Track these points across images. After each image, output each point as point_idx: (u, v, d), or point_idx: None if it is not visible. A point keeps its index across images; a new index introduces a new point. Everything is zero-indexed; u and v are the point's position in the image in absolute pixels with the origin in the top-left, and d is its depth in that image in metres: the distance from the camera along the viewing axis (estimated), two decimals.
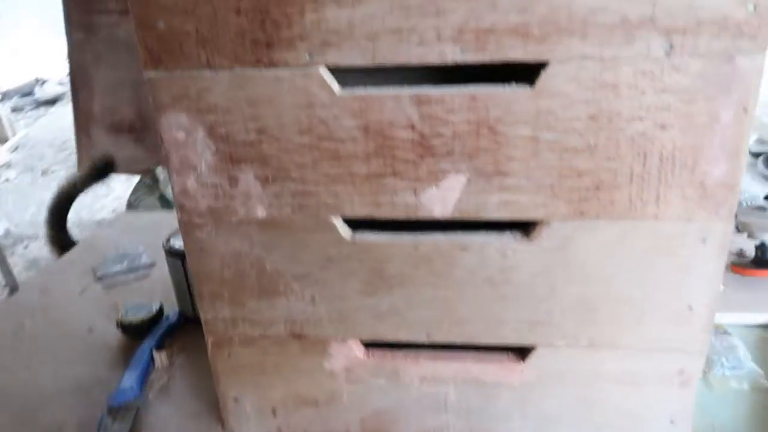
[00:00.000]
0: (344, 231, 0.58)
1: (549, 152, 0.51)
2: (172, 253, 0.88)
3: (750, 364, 0.75)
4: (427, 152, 0.53)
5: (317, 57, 0.51)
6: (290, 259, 0.59)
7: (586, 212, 0.53)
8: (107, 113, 2.73)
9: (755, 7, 0.44)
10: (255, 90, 0.53)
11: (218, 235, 0.60)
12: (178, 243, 0.89)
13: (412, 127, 0.52)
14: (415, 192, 0.54)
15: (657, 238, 0.53)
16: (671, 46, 0.46)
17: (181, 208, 0.59)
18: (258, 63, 0.52)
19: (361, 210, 0.56)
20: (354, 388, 0.65)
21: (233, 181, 0.57)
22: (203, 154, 0.56)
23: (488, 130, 0.51)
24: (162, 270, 1.06)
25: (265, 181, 0.56)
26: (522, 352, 0.61)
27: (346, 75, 0.52)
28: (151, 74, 0.53)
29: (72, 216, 2.84)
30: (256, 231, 0.59)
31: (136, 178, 2.75)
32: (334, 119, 0.53)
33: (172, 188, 0.58)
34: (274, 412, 0.68)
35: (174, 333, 0.90)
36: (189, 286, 0.89)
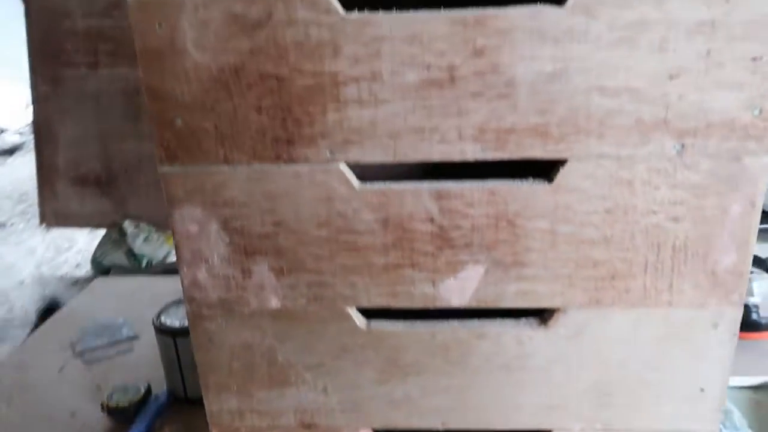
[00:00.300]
0: (359, 320, 0.57)
1: (566, 244, 0.52)
2: (163, 331, 0.85)
3: (746, 430, 0.76)
4: (446, 244, 0.53)
5: (338, 154, 0.51)
6: (303, 350, 0.58)
7: (602, 300, 0.54)
8: (72, 166, 2.67)
9: (760, 111, 0.46)
10: (273, 185, 0.52)
11: (228, 326, 0.58)
12: (169, 320, 0.87)
13: (432, 220, 0.52)
14: (433, 283, 0.55)
15: (670, 325, 0.54)
16: (683, 146, 0.48)
17: (191, 300, 0.57)
18: (278, 159, 0.52)
19: (378, 300, 0.56)
20: None
21: (246, 272, 0.56)
22: (216, 246, 0.55)
23: (507, 223, 0.52)
24: (146, 343, 1.02)
25: (279, 272, 0.56)
26: None
27: (364, 167, 0.52)
28: (165, 169, 0.53)
29: (32, 271, 2.73)
30: (269, 322, 0.57)
31: (101, 232, 2.67)
32: (354, 213, 0.53)
33: (182, 280, 0.57)
34: None
35: (164, 415, 0.86)
36: (181, 365, 0.86)
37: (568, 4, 0.45)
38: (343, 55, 0.48)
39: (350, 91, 0.49)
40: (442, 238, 0.53)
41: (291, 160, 0.51)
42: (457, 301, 0.55)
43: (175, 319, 0.87)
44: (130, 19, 0.48)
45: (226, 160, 0.52)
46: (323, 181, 0.52)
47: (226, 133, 0.51)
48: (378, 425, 0.61)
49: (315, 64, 0.48)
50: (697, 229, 0.50)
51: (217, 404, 0.61)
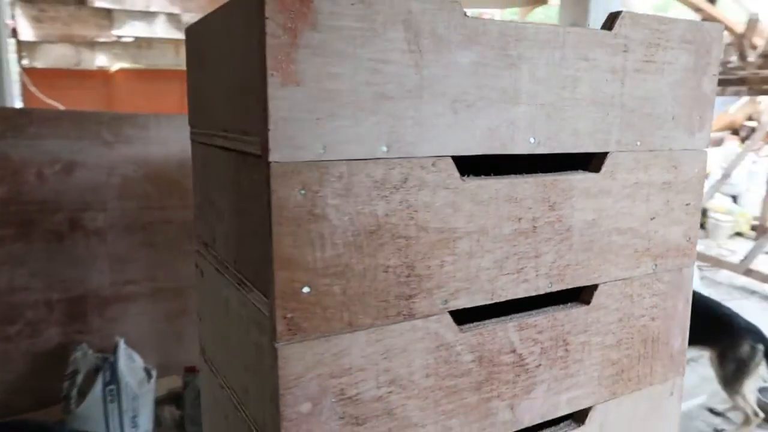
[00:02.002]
0: None
1: (596, 351, 0.65)
2: None
3: None
4: (522, 369, 0.60)
5: (450, 302, 0.54)
6: None
7: (616, 392, 0.67)
8: None
9: (689, 239, 0.69)
10: (392, 342, 0.52)
11: None
12: None
13: (514, 350, 0.59)
14: (512, 408, 0.60)
15: (651, 400, 0.70)
16: (656, 266, 0.67)
17: None
18: (398, 316, 0.52)
19: None
20: None
21: None
22: (328, 423, 0.50)
23: (563, 342, 0.62)
24: None
25: None
26: None
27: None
28: (284, 346, 0.47)
29: None
30: None
31: None
32: (456, 356, 0.55)
33: None
34: None
35: None
36: None
37: (602, 170, 0.61)
38: (461, 213, 0.53)
39: (463, 245, 0.54)
40: (520, 365, 0.59)
41: (410, 315, 0.52)
42: (528, 419, 0.61)
43: None
44: (271, 185, 0.44)
45: (350, 326, 0.49)
46: (435, 330, 0.54)
47: (352, 297, 0.49)
48: None
49: (439, 222, 0.52)
50: (664, 324, 0.69)
51: None
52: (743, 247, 3.69)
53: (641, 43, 0.60)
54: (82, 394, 1.95)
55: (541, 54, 0.54)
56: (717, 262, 3.46)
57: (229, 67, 0.54)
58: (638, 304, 0.66)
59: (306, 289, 0.46)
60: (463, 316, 0.56)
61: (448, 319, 0.54)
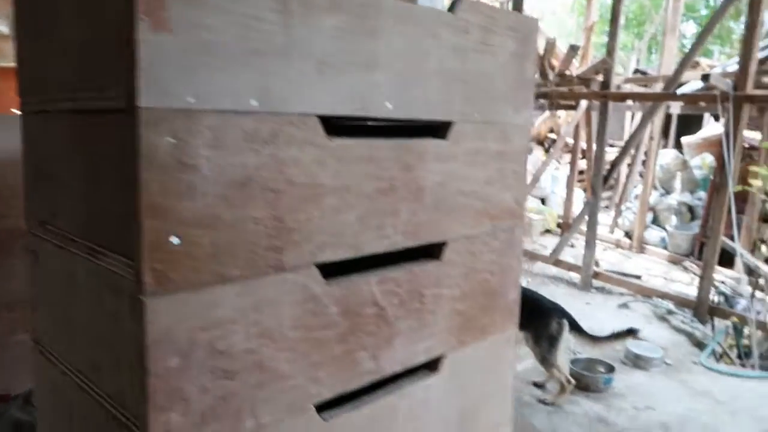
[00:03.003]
0: (319, 416, 0.59)
1: (446, 303, 0.71)
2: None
3: None
4: (384, 322, 0.64)
5: (318, 255, 0.56)
6: None
7: (464, 341, 0.74)
8: None
9: (516, 201, 0.79)
10: (263, 294, 0.52)
11: None
12: None
13: (376, 303, 0.62)
14: (375, 358, 0.63)
15: (493, 347, 0.79)
16: (493, 226, 0.75)
17: None
18: (268, 268, 0.52)
19: (337, 388, 0.60)
20: None
21: (227, 399, 0.51)
22: (198, 377, 0.49)
23: (418, 295, 0.67)
24: None
25: (258, 387, 0.53)
26: None
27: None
28: (153, 300, 0.45)
29: None
30: None
31: None
32: (323, 308, 0.57)
33: None
34: None
35: None
36: None
37: (448, 138, 0.67)
38: (328, 170, 0.55)
39: (330, 200, 0.56)
40: (381, 317, 0.63)
41: (280, 267, 0.53)
42: (389, 368, 0.65)
43: None
44: (140, 132, 0.43)
45: (221, 277, 0.49)
46: (303, 283, 0.55)
47: (222, 248, 0.49)
48: None
49: (306, 177, 0.54)
50: (501, 278, 0.78)
51: None
52: (552, 242, 4.17)
53: (478, 27, 0.67)
54: None
55: (396, 27, 0.58)
56: (532, 256, 3.88)
57: (79, 24, 0.51)
58: (480, 260, 0.73)
59: (175, 240, 0.45)
60: (329, 272, 0.58)
61: (315, 272, 0.56)
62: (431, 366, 0.71)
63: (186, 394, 0.48)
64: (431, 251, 0.68)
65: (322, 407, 0.59)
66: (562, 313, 2.11)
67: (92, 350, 0.54)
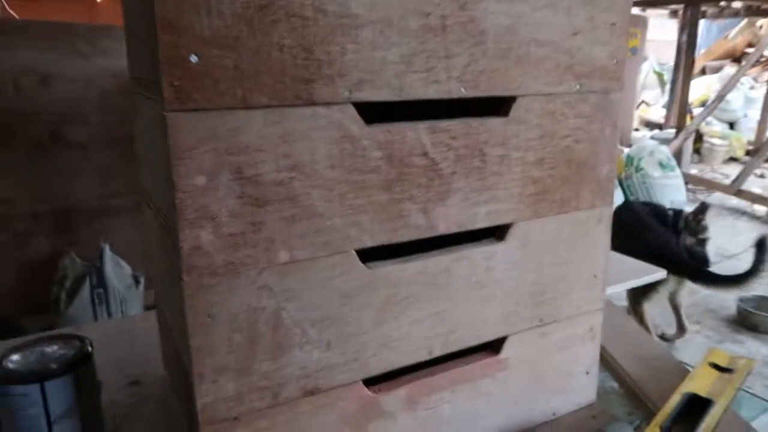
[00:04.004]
0: (363, 263, 0.59)
1: (516, 166, 0.65)
2: (29, 378, 0.67)
3: None
4: (436, 175, 0.60)
5: (354, 93, 0.54)
6: (309, 304, 0.56)
7: (539, 211, 0.68)
8: None
9: (617, 61, 0.68)
10: (291, 126, 0.52)
11: (233, 294, 0.53)
12: (20, 364, 0.68)
13: (426, 154, 0.59)
14: (426, 212, 0.61)
15: (576, 225, 0.71)
16: (581, 85, 0.67)
17: (190, 270, 0.50)
18: (297, 99, 0.52)
19: (381, 237, 0.59)
20: None
21: (257, 226, 0.52)
22: (225, 200, 0.51)
23: (479, 152, 0.62)
24: None
25: (291, 221, 0.54)
26: (496, 345, 0.70)
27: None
28: (174, 114, 0.47)
29: None
30: (276, 280, 0.54)
31: None
32: (363, 151, 0.56)
33: (180, 247, 0.50)
34: None
35: None
36: (50, 420, 0.68)
37: None
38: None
39: (366, 33, 0.53)
40: (433, 170, 0.60)
41: (310, 101, 0.52)
42: (443, 227, 0.62)
43: (29, 365, 0.69)
44: None
45: (245, 102, 0.50)
46: (339, 121, 0.54)
47: (246, 73, 0.49)
48: (377, 371, 0.62)
49: (337, 6, 0.51)
50: (590, 147, 0.69)
51: (212, 394, 0.53)
52: (737, 171, 3.66)
53: None
54: (71, 297, 2.00)
55: None
56: (710, 185, 3.45)
57: None
58: (561, 124, 0.66)
59: (193, 58, 0.46)
60: (375, 117, 0.56)
61: (352, 110, 0.54)
62: (497, 233, 0.66)
63: (214, 214, 0.50)
64: (498, 107, 0.62)
65: (368, 257, 0.59)
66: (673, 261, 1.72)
67: (155, 179, 0.59)
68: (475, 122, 0.60)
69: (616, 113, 0.69)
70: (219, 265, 0.51)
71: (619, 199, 2.87)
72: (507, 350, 0.69)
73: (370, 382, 0.62)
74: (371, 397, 0.62)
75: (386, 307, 0.60)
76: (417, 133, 0.57)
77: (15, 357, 0.70)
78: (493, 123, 0.61)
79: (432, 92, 0.57)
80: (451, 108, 0.59)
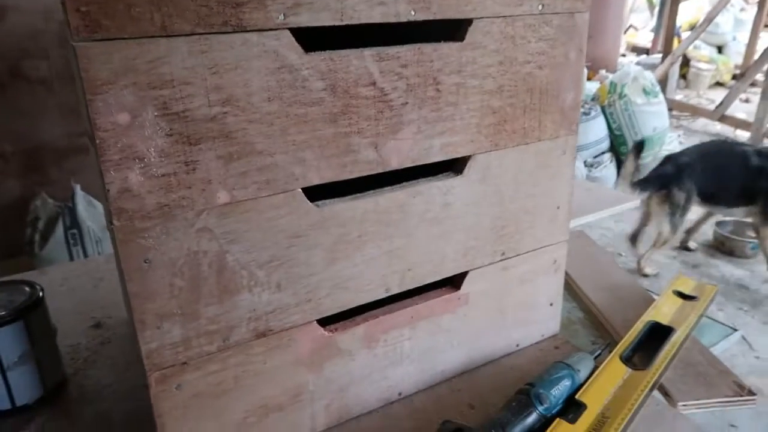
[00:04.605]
0: (311, 202, 0.56)
1: (473, 95, 0.61)
2: None
3: None
4: (386, 106, 0.56)
5: (290, 18, 0.49)
6: (254, 246, 0.54)
7: (498, 143, 0.65)
8: None
9: None
10: (221, 56, 0.47)
11: (169, 238, 0.50)
12: None
13: (374, 83, 0.55)
14: (376, 147, 0.57)
15: (539, 156, 0.68)
16: (543, 6, 0.62)
17: (120, 214, 0.47)
18: (224, 26, 0.47)
19: (328, 174, 0.55)
20: (318, 374, 0.62)
21: (191, 166, 0.49)
22: (153, 138, 0.47)
23: (432, 81, 0.58)
24: None
25: (228, 159, 0.50)
26: (456, 281, 0.69)
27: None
28: (84, 45, 0.43)
29: None
30: (216, 222, 0.52)
31: None
32: (303, 81, 0.52)
33: (106, 190, 0.47)
34: None
35: None
36: (3, 367, 0.67)
37: None
38: None
39: None
40: (383, 101, 0.56)
41: (240, 27, 0.48)
42: (396, 162, 0.59)
43: None
44: None
45: (165, 30, 0.45)
46: (274, 49, 0.49)
47: None
48: (330, 311, 0.60)
49: None
50: (553, 73, 0.65)
51: (157, 340, 0.52)
52: (723, 96, 3.61)
53: None
54: (45, 238, 1.96)
55: None
56: (694, 110, 3.41)
57: None
58: (522, 48, 0.62)
59: None
60: (317, 46, 0.51)
61: (289, 37, 0.49)
62: (455, 167, 0.63)
63: (142, 154, 0.46)
64: (452, 31, 0.58)
65: (317, 195, 0.56)
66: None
67: (85, 118, 0.54)
68: (427, 48, 0.56)
69: (582, 36, 0.65)
70: (152, 209, 0.48)
71: (601, 126, 2.83)
72: (467, 285, 0.68)
73: (326, 321, 0.61)
74: (327, 336, 0.60)
75: (338, 247, 0.58)
76: (363, 60, 0.53)
77: None
78: (448, 49, 0.57)
79: (378, 15, 0.53)
80: (399, 34, 0.55)
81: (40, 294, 0.70)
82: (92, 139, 0.45)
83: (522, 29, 0.61)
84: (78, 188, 2.03)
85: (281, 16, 0.48)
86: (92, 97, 0.43)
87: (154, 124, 0.46)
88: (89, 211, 2.03)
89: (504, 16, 0.59)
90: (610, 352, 0.69)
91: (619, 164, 2.82)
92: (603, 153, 2.84)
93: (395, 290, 0.63)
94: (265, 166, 0.52)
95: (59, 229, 1.98)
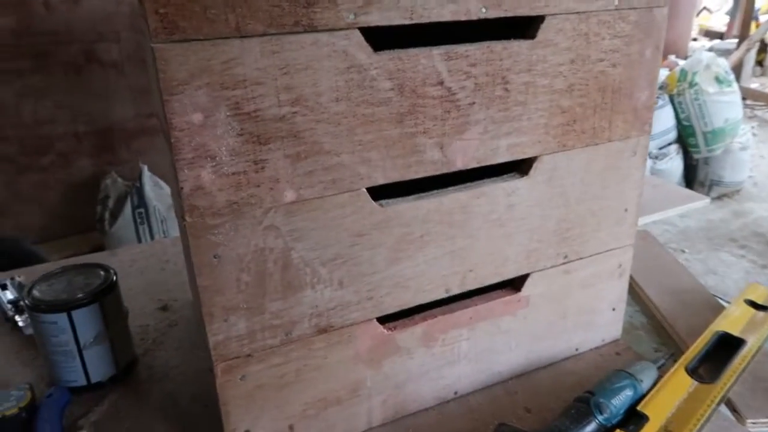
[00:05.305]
0: (375, 201, 0.56)
1: (543, 95, 0.59)
2: (51, 308, 0.68)
3: None
4: (453, 106, 0.55)
5: (360, 17, 0.49)
6: (319, 244, 0.54)
7: (567, 144, 0.63)
8: None
9: None
10: (292, 56, 0.48)
11: (238, 234, 0.51)
12: (48, 295, 0.70)
13: (441, 83, 0.54)
14: (442, 147, 0.56)
15: (608, 157, 0.66)
16: (619, 1, 0.59)
17: (192, 211, 0.49)
18: (296, 26, 0.47)
19: (393, 174, 0.55)
20: (377, 371, 0.62)
21: (260, 165, 0.50)
22: (225, 137, 0.48)
23: (501, 80, 0.57)
24: None
25: (296, 159, 0.51)
26: (517, 283, 0.67)
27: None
28: (162, 46, 0.43)
29: None
30: (283, 219, 0.52)
31: None
32: (371, 81, 0.51)
33: (180, 188, 0.48)
34: (291, 429, 0.60)
35: (67, 411, 0.70)
36: (80, 346, 0.70)
37: None
38: None
39: None
40: (450, 101, 0.55)
41: (311, 26, 0.47)
42: (461, 162, 0.58)
43: (56, 294, 0.70)
44: None
45: (239, 31, 0.45)
46: (343, 49, 0.49)
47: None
48: (390, 309, 0.60)
49: None
50: (626, 72, 0.63)
51: (224, 332, 0.53)
52: None
53: None
54: (114, 216, 2.05)
55: None
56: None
57: None
58: (595, 46, 0.59)
59: None
60: (385, 45, 0.51)
61: (359, 36, 0.49)
62: (521, 168, 0.62)
63: (214, 153, 0.47)
64: (523, 28, 0.56)
65: (380, 194, 0.56)
66: None
67: (159, 112, 0.56)
68: (497, 46, 0.55)
69: (660, 32, 0.62)
70: (222, 206, 0.49)
71: (669, 116, 2.71)
72: (528, 288, 0.67)
73: (386, 319, 0.61)
74: (386, 334, 0.61)
75: (400, 246, 0.58)
76: (431, 60, 0.52)
77: (43, 287, 0.71)
78: (518, 47, 0.55)
79: (448, 13, 0.51)
80: (468, 31, 0.54)
81: (114, 278, 0.73)
82: (167, 137, 0.46)
83: (596, 26, 0.58)
84: (145, 168, 2.10)
85: (352, 16, 0.48)
86: (168, 97, 0.44)
87: (225, 123, 0.47)
88: (155, 191, 2.10)
89: (578, 12, 0.57)
90: (675, 361, 0.67)
91: (687, 156, 2.69)
92: (669, 144, 2.72)
93: (456, 291, 0.62)
94: (331, 166, 0.52)
95: (127, 208, 2.07)
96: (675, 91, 2.72)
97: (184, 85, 0.45)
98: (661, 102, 2.65)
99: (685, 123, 2.72)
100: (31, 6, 2.00)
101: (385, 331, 0.61)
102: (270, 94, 0.47)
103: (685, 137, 2.75)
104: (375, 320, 0.59)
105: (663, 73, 2.92)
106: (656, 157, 2.63)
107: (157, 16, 0.42)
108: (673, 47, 3.68)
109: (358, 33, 0.49)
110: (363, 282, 0.57)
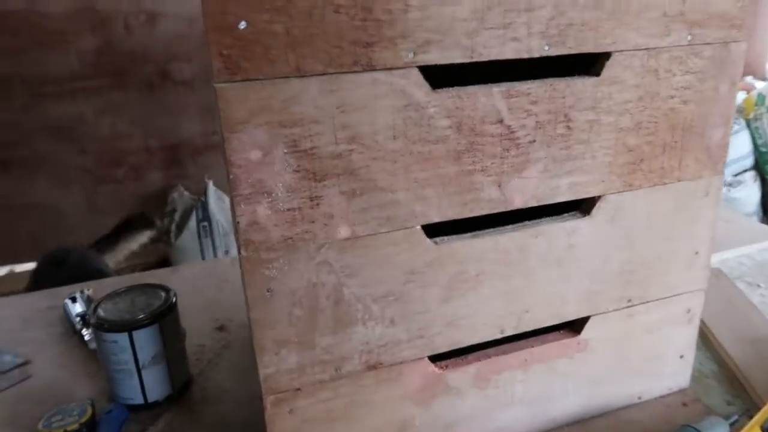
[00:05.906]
0: (429, 239, 0.55)
1: (607, 133, 0.57)
2: (112, 328, 0.71)
3: None
4: (512, 144, 0.54)
5: (419, 56, 0.48)
6: (371, 281, 0.54)
7: (632, 183, 0.60)
8: None
9: (741, 6, 0.57)
10: (349, 95, 0.48)
11: (291, 269, 0.51)
12: (111, 315, 0.72)
13: (501, 121, 0.53)
14: (500, 185, 0.55)
15: (677, 198, 0.62)
16: (692, 36, 0.56)
17: (247, 245, 0.49)
18: (354, 65, 0.47)
19: (449, 212, 0.54)
20: (426, 410, 0.61)
21: (315, 201, 0.50)
22: (281, 174, 0.48)
23: (564, 117, 0.55)
24: (44, 365, 0.83)
25: (351, 195, 0.51)
26: (576, 325, 0.65)
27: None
28: (223, 86, 0.44)
29: None
30: (336, 256, 0.52)
31: None
32: (429, 119, 0.51)
33: (236, 222, 0.48)
34: None
35: (124, 429, 0.72)
36: (139, 365, 0.72)
37: None
38: None
39: None
40: (510, 139, 0.54)
41: (370, 66, 0.47)
42: (520, 201, 0.56)
43: (119, 314, 0.73)
44: None
45: (298, 70, 0.46)
46: (401, 87, 0.49)
47: (298, 38, 0.45)
48: (442, 348, 0.59)
49: None
50: (699, 109, 0.59)
51: (274, 365, 0.53)
52: None
53: None
54: (180, 228, 2.12)
55: None
56: None
57: None
58: (665, 83, 0.56)
59: (242, 24, 0.43)
60: (441, 81, 0.50)
61: (417, 75, 0.48)
62: (582, 207, 0.59)
63: (270, 189, 0.48)
64: (587, 64, 0.54)
65: (434, 232, 0.55)
66: None
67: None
68: (560, 84, 0.53)
69: (737, 67, 0.58)
70: (277, 241, 0.49)
71: (745, 142, 2.56)
72: (588, 331, 0.64)
73: (437, 358, 0.60)
74: (437, 373, 0.59)
75: (454, 285, 0.56)
76: (491, 98, 0.51)
77: (108, 305, 0.74)
78: (582, 84, 0.54)
79: (509, 51, 0.50)
80: (529, 68, 0.52)
81: (174, 299, 0.75)
82: (227, 172, 0.47)
83: (667, 62, 0.55)
84: (211, 183, 2.17)
85: (411, 55, 0.47)
86: (228, 135, 0.45)
87: (283, 160, 0.47)
88: (219, 205, 2.16)
89: (647, 49, 0.54)
90: (750, 418, 0.62)
91: (764, 184, 2.54)
92: (745, 171, 2.57)
93: (510, 332, 0.60)
94: (386, 203, 0.51)
95: (192, 221, 2.13)
96: (752, 115, 2.58)
97: (244, 123, 0.45)
98: (736, 127, 2.52)
99: (762, 149, 2.57)
100: (113, 27, 2.12)
101: (437, 369, 0.59)
102: (327, 131, 0.48)
103: (762, 164, 2.60)
104: (426, 358, 0.58)
105: (739, 96, 2.77)
106: (730, 185, 2.50)
107: (221, 57, 0.43)
108: (750, 68, 3.49)
109: (416, 71, 0.48)
110: (414, 320, 0.56)
